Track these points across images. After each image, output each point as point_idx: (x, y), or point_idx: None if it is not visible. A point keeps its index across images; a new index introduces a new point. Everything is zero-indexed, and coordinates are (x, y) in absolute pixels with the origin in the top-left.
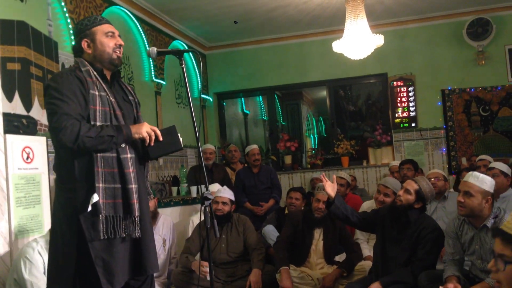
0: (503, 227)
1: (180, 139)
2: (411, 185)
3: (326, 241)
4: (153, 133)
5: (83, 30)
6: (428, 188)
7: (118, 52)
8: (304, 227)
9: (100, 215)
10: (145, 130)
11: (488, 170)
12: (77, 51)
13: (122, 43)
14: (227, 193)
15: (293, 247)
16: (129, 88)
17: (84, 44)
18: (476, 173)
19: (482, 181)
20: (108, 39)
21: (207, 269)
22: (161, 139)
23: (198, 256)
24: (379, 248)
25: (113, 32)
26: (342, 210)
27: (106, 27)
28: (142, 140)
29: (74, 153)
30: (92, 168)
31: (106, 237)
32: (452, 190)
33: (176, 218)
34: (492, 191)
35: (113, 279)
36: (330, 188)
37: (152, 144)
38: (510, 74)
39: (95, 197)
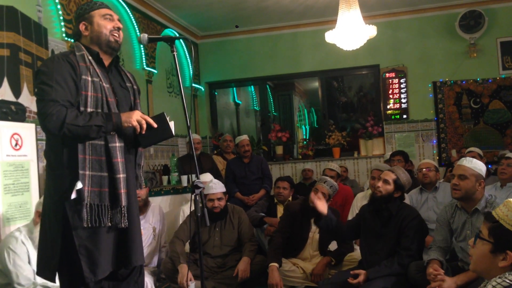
0: (493, 210)
1: (172, 125)
2: (389, 175)
3: (322, 233)
4: (143, 121)
5: (82, 14)
6: (405, 176)
7: (116, 35)
8: (303, 218)
9: (84, 203)
10: (135, 118)
11: (505, 159)
12: (76, 35)
13: (121, 26)
14: (218, 187)
15: (289, 238)
16: (128, 75)
17: (82, 27)
18: (469, 157)
19: (475, 164)
20: (105, 21)
21: (191, 285)
22: (155, 125)
23: (187, 247)
24: (364, 245)
25: (111, 15)
26: (332, 223)
27: (104, 11)
28: (134, 128)
29: (64, 140)
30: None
31: (90, 225)
32: (442, 180)
33: (166, 207)
34: (484, 175)
35: (96, 268)
36: (322, 206)
37: (144, 132)
38: (502, 67)
39: (79, 184)
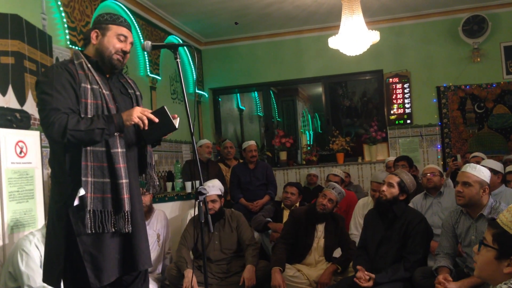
0: (497, 216)
1: (177, 122)
2: (393, 179)
3: (328, 239)
4: (144, 117)
5: (100, 22)
6: (409, 179)
7: (121, 56)
8: (308, 224)
9: (87, 209)
10: (136, 115)
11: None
12: (85, 39)
13: (128, 50)
14: (213, 190)
15: (294, 244)
16: (130, 81)
17: (93, 34)
18: (473, 164)
19: (479, 171)
20: (116, 41)
21: None
22: (156, 120)
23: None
24: (369, 248)
25: (125, 37)
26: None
27: (122, 30)
28: (137, 125)
29: (66, 147)
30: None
31: (94, 231)
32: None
33: (170, 213)
34: (488, 181)
35: (101, 274)
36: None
37: (146, 128)
38: (505, 71)
39: (81, 191)
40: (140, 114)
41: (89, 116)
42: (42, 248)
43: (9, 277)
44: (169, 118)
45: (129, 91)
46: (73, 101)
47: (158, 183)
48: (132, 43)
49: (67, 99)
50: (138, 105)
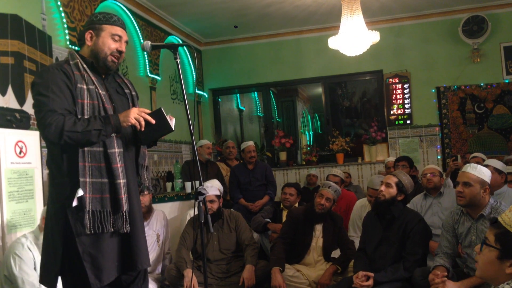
0: (499, 216)
1: (173, 122)
2: (391, 179)
3: (326, 238)
4: (141, 118)
5: (94, 22)
6: (407, 179)
7: (115, 57)
8: (306, 224)
9: (86, 210)
10: (133, 116)
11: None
12: (79, 40)
13: (124, 49)
14: (211, 190)
15: (292, 244)
16: (126, 81)
17: (87, 35)
18: (473, 164)
19: (479, 171)
20: (111, 41)
21: None
22: (153, 122)
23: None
24: (369, 250)
25: (120, 37)
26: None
27: (116, 29)
28: (134, 126)
29: (63, 148)
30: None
31: (93, 232)
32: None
33: (170, 213)
34: (489, 181)
35: (101, 274)
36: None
37: (143, 129)
38: (505, 71)
39: (80, 192)
40: (137, 115)
41: (86, 116)
42: (34, 250)
43: (5, 280)
44: (165, 119)
45: (125, 90)
46: (70, 102)
47: (147, 184)
48: (127, 42)
49: (63, 100)
50: (134, 105)
